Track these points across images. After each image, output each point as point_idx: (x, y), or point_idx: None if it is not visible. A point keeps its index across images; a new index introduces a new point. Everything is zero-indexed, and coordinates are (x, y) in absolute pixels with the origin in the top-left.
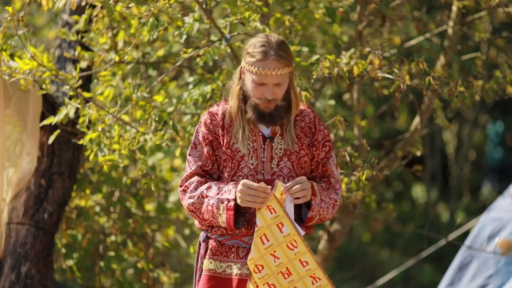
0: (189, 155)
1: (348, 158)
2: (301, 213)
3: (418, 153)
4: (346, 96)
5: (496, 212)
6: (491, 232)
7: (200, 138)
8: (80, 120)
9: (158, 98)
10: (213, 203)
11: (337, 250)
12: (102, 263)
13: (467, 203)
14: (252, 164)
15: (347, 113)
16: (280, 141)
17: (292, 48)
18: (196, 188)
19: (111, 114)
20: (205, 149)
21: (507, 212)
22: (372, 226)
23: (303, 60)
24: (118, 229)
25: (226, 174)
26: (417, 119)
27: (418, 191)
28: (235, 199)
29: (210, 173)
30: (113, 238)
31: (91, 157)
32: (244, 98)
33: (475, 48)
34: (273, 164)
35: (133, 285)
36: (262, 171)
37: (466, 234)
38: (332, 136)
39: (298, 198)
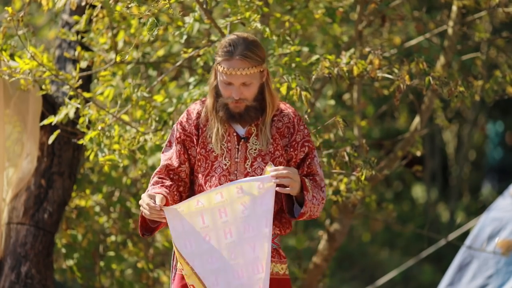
0: (162, 153)
1: (347, 158)
2: (293, 208)
3: (418, 153)
4: (346, 96)
5: (496, 212)
6: (491, 232)
7: (174, 137)
8: (80, 120)
9: (158, 98)
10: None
11: (337, 250)
12: (102, 263)
13: (467, 203)
14: (225, 164)
15: (347, 113)
16: (256, 142)
17: (292, 48)
18: (151, 186)
19: (111, 114)
20: (177, 148)
21: (507, 212)
22: (372, 226)
23: (303, 60)
24: (118, 229)
25: (200, 174)
26: (417, 119)
27: (418, 191)
28: None
29: (177, 172)
30: (113, 238)
31: (91, 157)
32: (218, 96)
33: (475, 48)
34: (247, 164)
35: (133, 285)
36: (235, 172)
37: (466, 234)
38: (331, 136)
39: (283, 186)
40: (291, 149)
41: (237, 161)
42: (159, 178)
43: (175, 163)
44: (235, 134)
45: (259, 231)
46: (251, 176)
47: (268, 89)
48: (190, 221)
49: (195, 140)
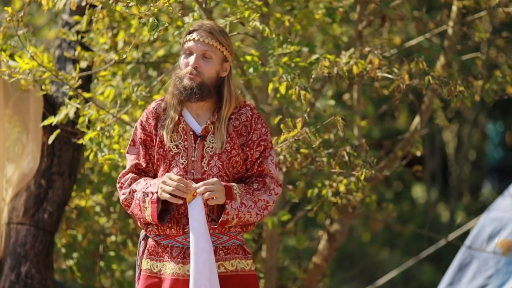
0: (127, 152)
1: (347, 158)
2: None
3: (418, 153)
4: (346, 96)
5: (496, 212)
6: (491, 232)
7: (137, 137)
8: (80, 120)
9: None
10: (140, 197)
11: (337, 250)
12: (102, 263)
13: (467, 203)
14: (182, 163)
15: (347, 113)
16: (212, 140)
17: (292, 48)
18: (129, 185)
19: (111, 114)
20: (141, 148)
21: (507, 212)
22: (372, 226)
23: (302, 60)
24: (118, 229)
25: (159, 174)
26: (417, 119)
27: (418, 191)
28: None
29: (145, 171)
30: (113, 238)
31: (90, 157)
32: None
33: (475, 48)
34: (204, 163)
35: (133, 285)
36: (192, 171)
37: (466, 234)
38: (331, 136)
39: (210, 198)
40: (247, 148)
41: (194, 160)
42: (134, 176)
43: (143, 163)
44: (191, 132)
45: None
46: (208, 175)
47: (227, 86)
48: None
49: (154, 140)
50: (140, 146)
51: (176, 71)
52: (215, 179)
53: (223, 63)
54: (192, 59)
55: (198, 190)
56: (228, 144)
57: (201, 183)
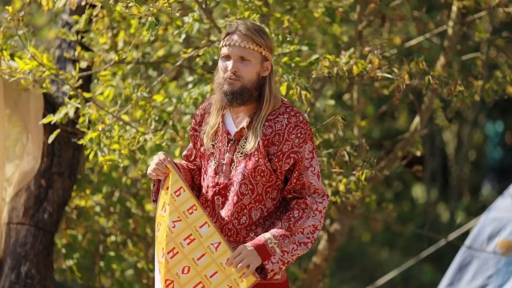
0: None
1: (347, 157)
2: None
3: (418, 153)
4: (346, 96)
5: (496, 212)
6: (491, 232)
7: (190, 129)
8: (80, 120)
9: (158, 98)
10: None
11: (337, 250)
12: (102, 263)
13: (467, 203)
14: (214, 164)
15: (347, 113)
16: (244, 145)
17: (292, 47)
18: None
19: (111, 114)
20: (191, 141)
21: (507, 212)
22: (372, 226)
23: (302, 59)
24: (118, 229)
25: (203, 170)
26: (417, 119)
27: (418, 191)
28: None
29: (193, 163)
30: (113, 238)
31: (91, 157)
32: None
33: (475, 48)
34: (232, 167)
35: (133, 285)
36: (221, 173)
37: (466, 234)
38: (331, 136)
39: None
40: (276, 159)
41: (224, 162)
42: (182, 163)
43: (191, 155)
44: (226, 134)
45: None
46: (233, 181)
47: (269, 85)
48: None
49: (199, 137)
50: (190, 138)
51: (215, 75)
52: (240, 246)
53: (263, 63)
54: (230, 63)
55: (236, 261)
56: (257, 151)
57: (232, 256)
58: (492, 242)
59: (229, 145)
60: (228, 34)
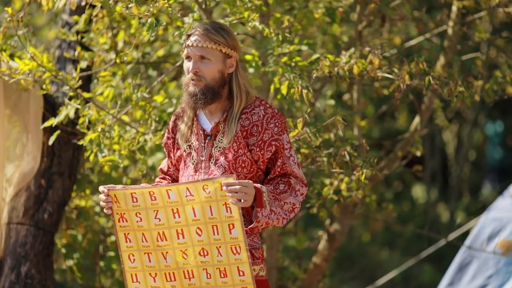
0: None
1: (348, 157)
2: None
3: (418, 153)
4: (346, 96)
5: (496, 212)
6: (491, 232)
7: (163, 141)
8: (80, 120)
9: (158, 98)
10: None
11: (337, 250)
12: (102, 263)
13: (467, 203)
14: (193, 163)
15: (347, 113)
16: (221, 140)
17: (292, 47)
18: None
19: (111, 114)
20: (165, 151)
21: (507, 212)
22: (372, 226)
23: (303, 59)
24: None
25: (180, 175)
26: (417, 119)
27: (418, 191)
28: None
29: (168, 174)
30: (113, 238)
31: (91, 158)
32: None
33: (475, 48)
34: (211, 162)
35: None
36: (200, 170)
37: (466, 234)
38: (331, 136)
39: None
40: (257, 149)
41: (203, 159)
42: (158, 179)
43: (165, 167)
44: (202, 131)
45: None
46: (214, 175)
47: (236, 81)
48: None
49: (173, 143)
50: (165, 149)
51: (182, 77)
52: (249, 181)
53: (225, 60)
54: (191, 64)
55: (235, 188)
56: (235, 143)
57: (237, 181)
58: (492, 242)
59: (206, 141)
60: (188, 36)
